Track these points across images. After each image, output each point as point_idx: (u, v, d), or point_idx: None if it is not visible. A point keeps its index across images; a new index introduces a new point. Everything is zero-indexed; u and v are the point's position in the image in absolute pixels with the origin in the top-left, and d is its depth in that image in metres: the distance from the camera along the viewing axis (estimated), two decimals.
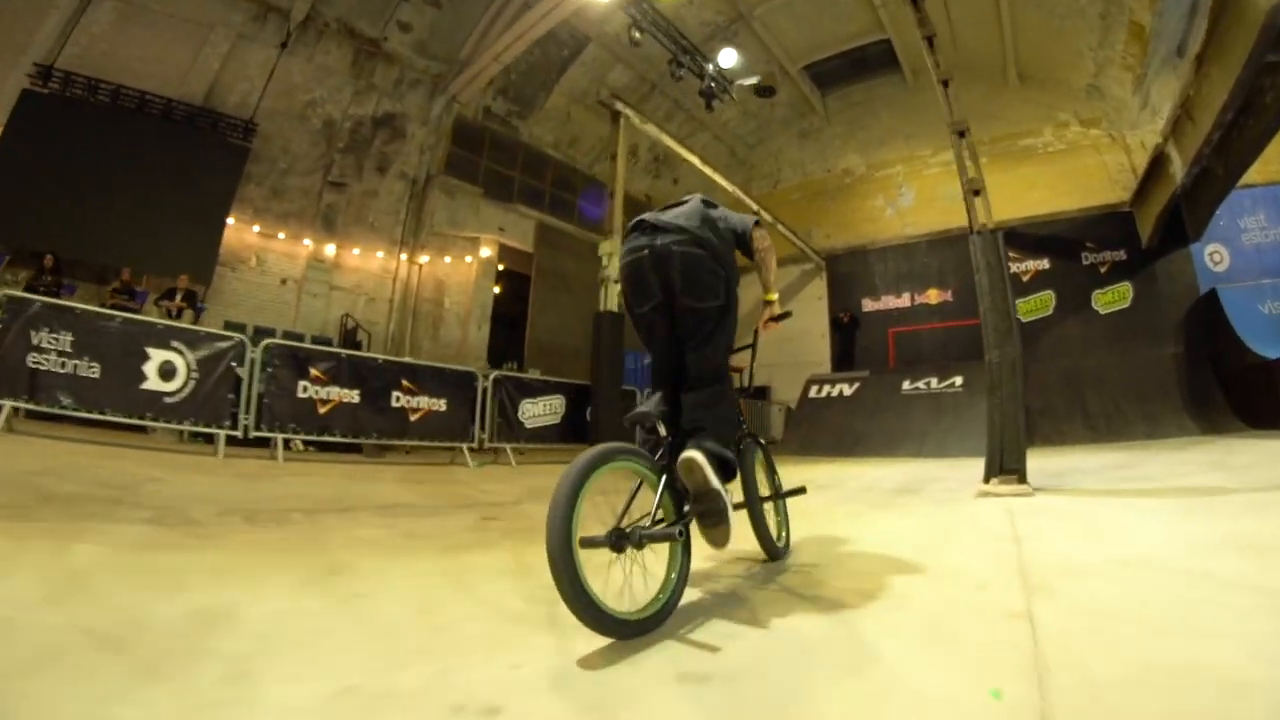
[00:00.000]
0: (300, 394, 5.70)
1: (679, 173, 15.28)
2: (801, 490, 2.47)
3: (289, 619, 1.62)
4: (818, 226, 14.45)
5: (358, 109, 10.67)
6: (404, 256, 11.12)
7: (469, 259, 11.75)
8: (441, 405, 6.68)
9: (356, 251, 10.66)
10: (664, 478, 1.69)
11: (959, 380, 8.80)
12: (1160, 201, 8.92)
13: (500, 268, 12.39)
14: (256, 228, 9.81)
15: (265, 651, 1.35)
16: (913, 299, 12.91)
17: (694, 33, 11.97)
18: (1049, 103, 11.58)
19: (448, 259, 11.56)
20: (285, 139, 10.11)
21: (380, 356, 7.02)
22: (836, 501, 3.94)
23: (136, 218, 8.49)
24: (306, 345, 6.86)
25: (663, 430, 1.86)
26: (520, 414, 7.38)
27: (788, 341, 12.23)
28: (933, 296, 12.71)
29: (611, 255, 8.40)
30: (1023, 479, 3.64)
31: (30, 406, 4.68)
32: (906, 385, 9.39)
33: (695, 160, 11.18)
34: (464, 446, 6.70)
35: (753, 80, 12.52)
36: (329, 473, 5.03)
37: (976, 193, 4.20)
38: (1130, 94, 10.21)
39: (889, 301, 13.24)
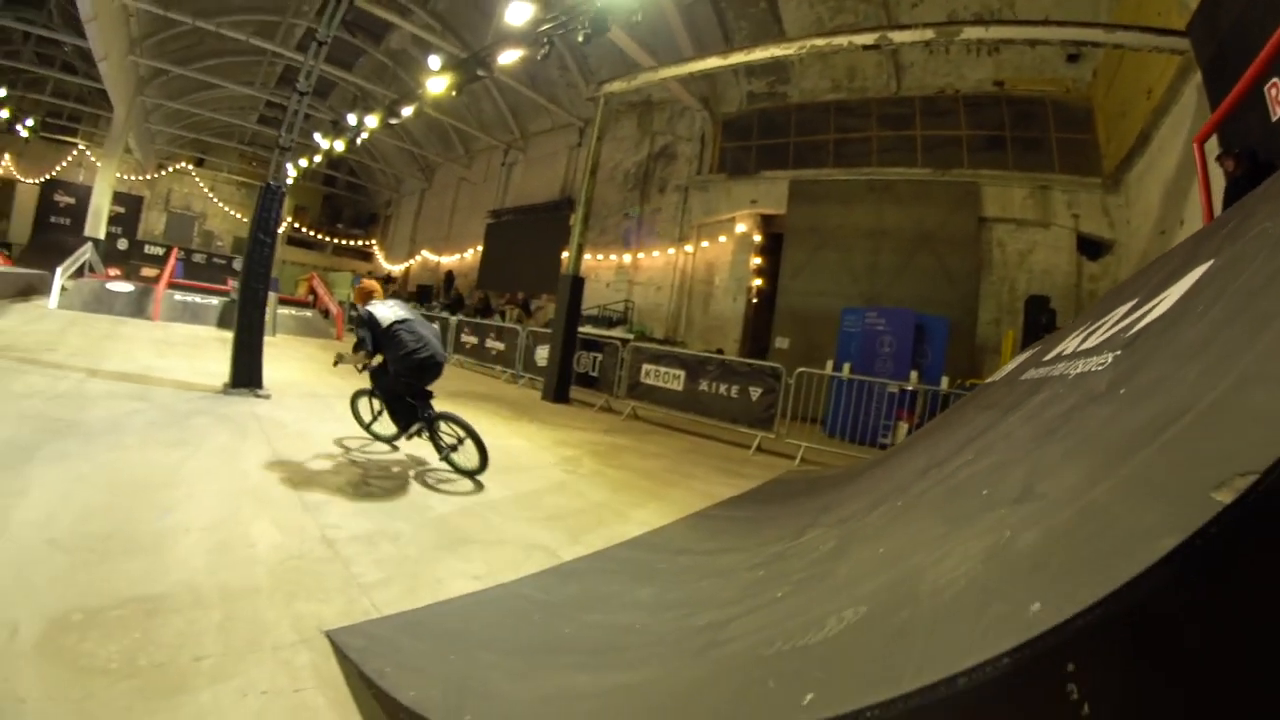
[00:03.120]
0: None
1: None
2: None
3: None
4: None
5: (640, 154, 13.80)
6: (681, 249, 12.74)
7: (723, 239, 12.49)
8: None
9: (642, 256, 13.58)
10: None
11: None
12: None
13: (756, 239, 12.09)
14: (588, 255, 11.68)
15: None
16: None
17: None
18: None
19: (705, 244, 12.79)
20: (602, 199, 12.75)
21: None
22: None
23: (526, 266, 16.35)
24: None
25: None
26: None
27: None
28: None
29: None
30: None
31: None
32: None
33: None
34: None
35: None
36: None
37: None
38: None
39: None
